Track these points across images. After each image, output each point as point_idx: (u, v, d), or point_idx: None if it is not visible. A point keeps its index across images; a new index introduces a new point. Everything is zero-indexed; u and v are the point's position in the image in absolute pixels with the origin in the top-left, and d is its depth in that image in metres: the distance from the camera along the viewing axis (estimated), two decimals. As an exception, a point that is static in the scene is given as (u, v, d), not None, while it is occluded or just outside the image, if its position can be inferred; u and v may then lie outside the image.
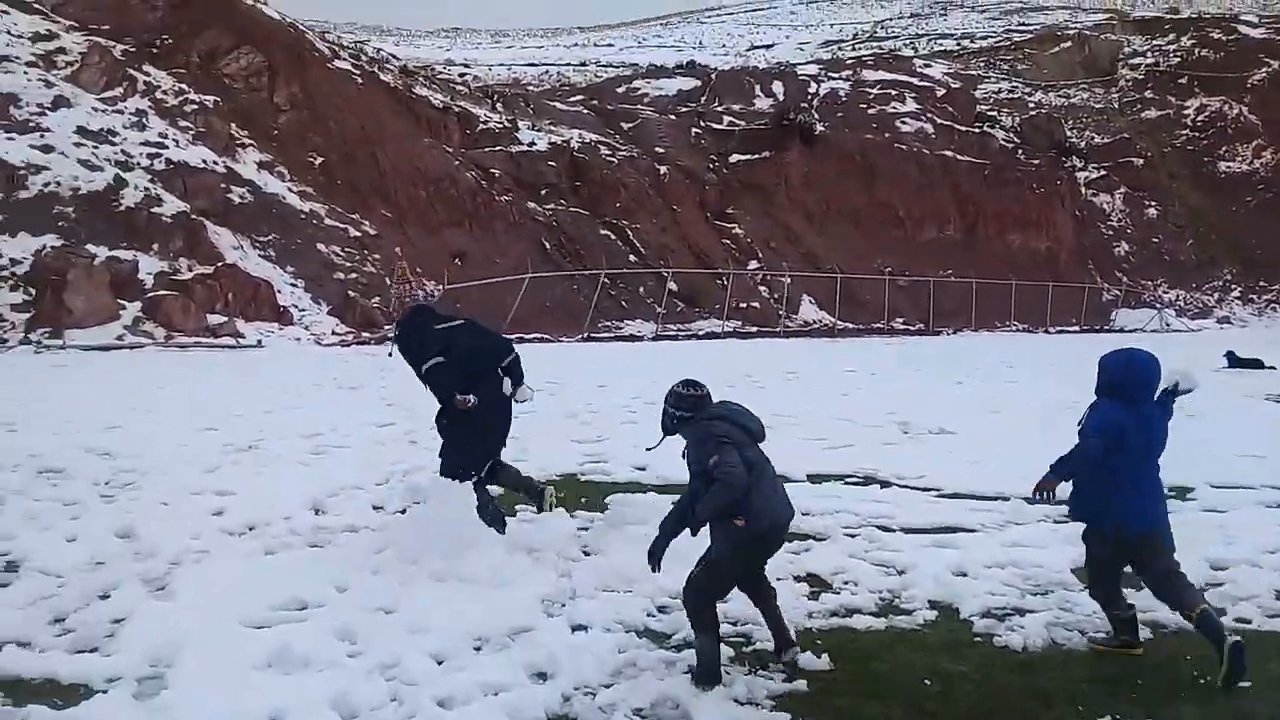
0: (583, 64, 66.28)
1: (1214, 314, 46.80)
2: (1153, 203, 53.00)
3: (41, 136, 26.94)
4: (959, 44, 69.15)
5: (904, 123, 51.68)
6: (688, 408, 5.33)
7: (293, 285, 27.19)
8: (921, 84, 57.02)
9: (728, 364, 20.60)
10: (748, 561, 5.24)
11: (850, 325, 37.26)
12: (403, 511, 7.85)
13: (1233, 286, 49.17)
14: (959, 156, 49.37)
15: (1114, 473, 5.23)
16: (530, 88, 56.04)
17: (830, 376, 19.53)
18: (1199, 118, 57.34)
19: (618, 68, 63.91)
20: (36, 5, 32.55)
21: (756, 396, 11.28)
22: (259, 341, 22.73)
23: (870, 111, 52.30)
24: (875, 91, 54.71)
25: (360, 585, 6.15)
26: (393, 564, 6.42)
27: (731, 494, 4.93)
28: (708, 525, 5.17)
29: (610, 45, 76.21)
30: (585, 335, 30.01)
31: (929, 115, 53.07)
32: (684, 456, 5.30)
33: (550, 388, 14.91)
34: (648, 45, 75.09)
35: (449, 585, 6.11)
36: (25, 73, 28.99)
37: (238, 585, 6.15)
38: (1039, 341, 35.61)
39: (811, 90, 54.37)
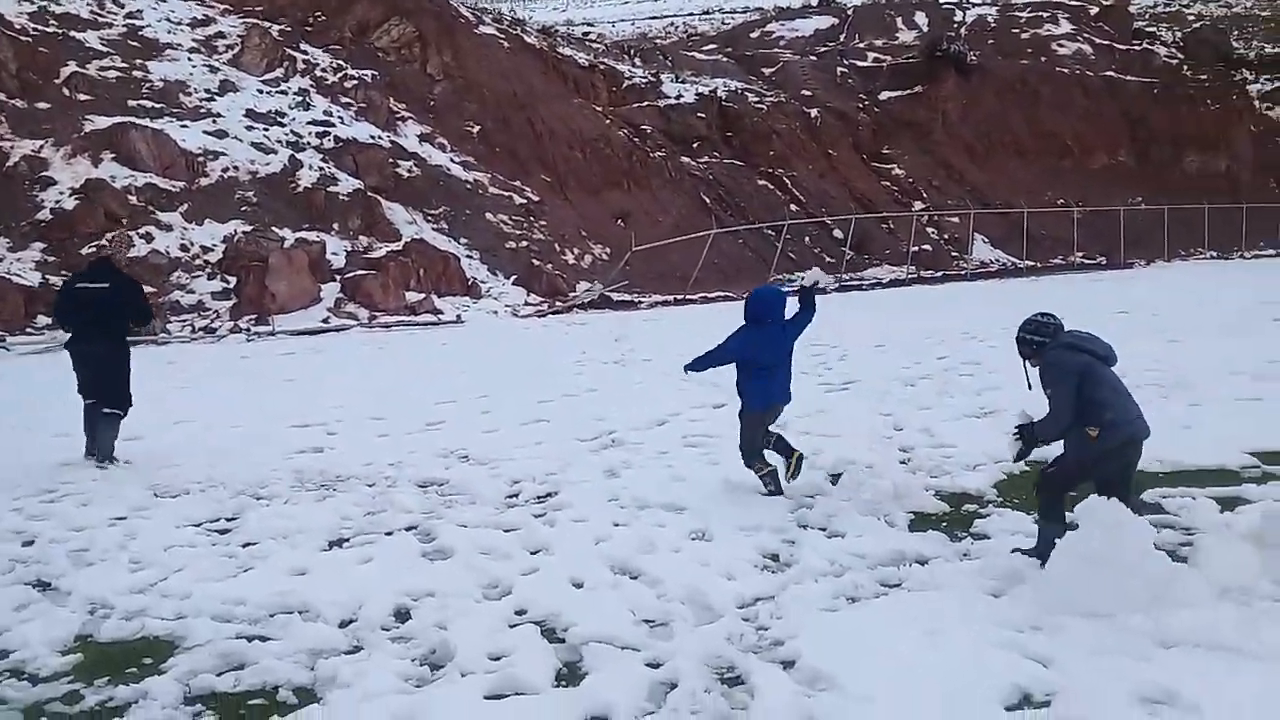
0: (707, 12, 64.48)
1: None
2: (1339, 112, 48.91)
3: (214, 122, 26.92)
4: (1106, -43, 64.80)
5: (1060, 45, 48.80)
6: (1046, 334, 5.85)
7: (468, 257, 26.69)
8: (1073, 3, 53.72)
9: (983, 313, 19.24)
10: (1095, 471, 5.58)
11: (1033, 264, 35.10)
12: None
13: None
14: (1124, 77, 46.29)
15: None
16: (659, 41, 54.59)
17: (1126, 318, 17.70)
18: (1385, 14, 52.63)
19: (744, 13, 61.89)
20: (192, -8, 32.61)
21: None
22: (458, 316, 22.21)
23: (1023, 36, 49.56)
24: (1025, 15, 51.84)
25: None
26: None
27: (1058, 428, 5.63)
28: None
29: (731, -9, 73.92)
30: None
31: (1085, 35, 50.03)
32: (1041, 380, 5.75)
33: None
34: (771, -13, 72.48)
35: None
36: (189, 59, 29.05)
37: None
38: (1257, 268, 32.73)
39: (957, 19, 51.74)
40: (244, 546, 6.78)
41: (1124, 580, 4.51)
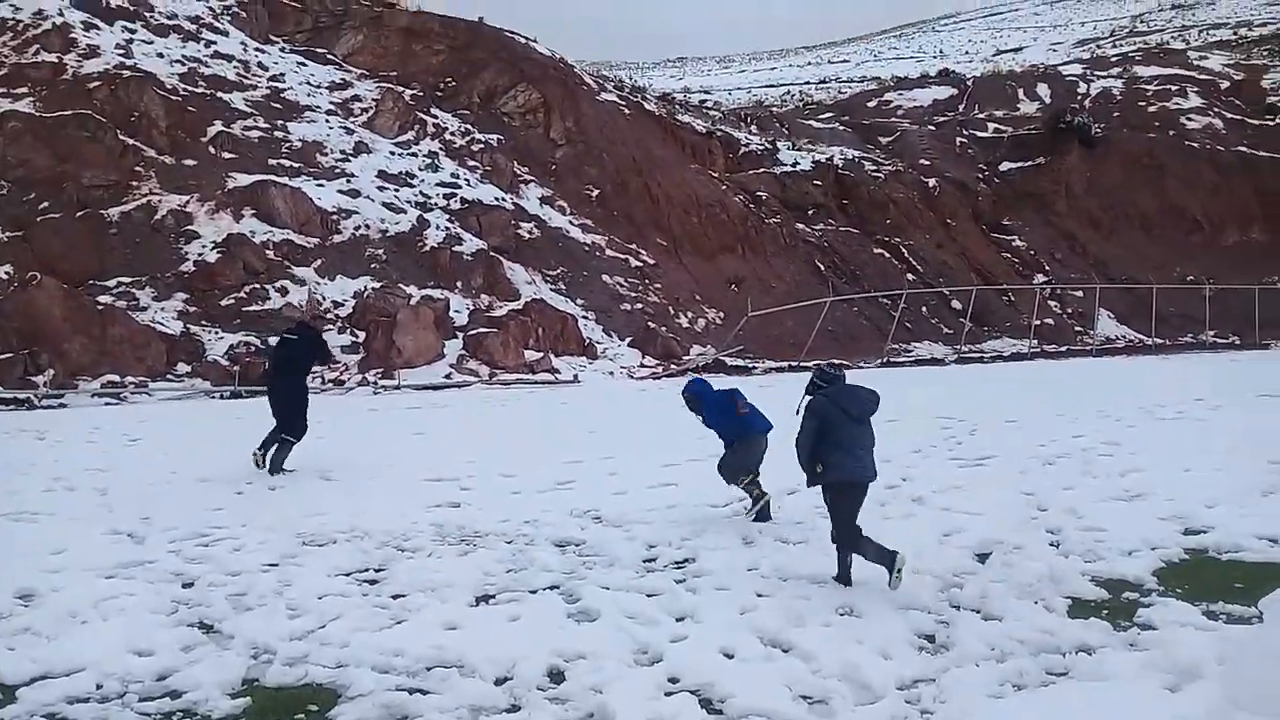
0: (823, 81, 64.88)
1: None
2: None
3: (348, 181, 28.03)
4: (1235, 33, 63.41)
5: (1189, 119, 47.57)
6: (824, 381, 7.13)
7: (584, 318, 27.06)
8: (1202, 77, 52.49)
9: (1118, 390, 18.72)
10: (832, 500, 7.05)
11: (1160, 342, 33.97)
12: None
13: None
14: (1257, 152, 44.85)
15: None
16: (775, 109, 55.04)
17: None
18: None
19: (860, 82, 62.12)
20: (330, 56, 34.22)
21: None
22: (575, 376, 22.49)
23: (1150, 109, 48.49)
24: (1153, 88, 50.78)
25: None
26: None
27: (800, 452, 7.03)
28: None
29: (845, 61, 74.38)
30: (885, 360, 28.47)
31: (1216, 110, 48.70)
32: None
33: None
34: (885, 58, 72.83)
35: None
36: (327, 121, 30.38)
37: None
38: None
39: (1080, 90, 51.00)
40: (395, 598, 6.91)
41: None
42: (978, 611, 6.31)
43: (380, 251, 26.09)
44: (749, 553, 7.82)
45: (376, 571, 7.67)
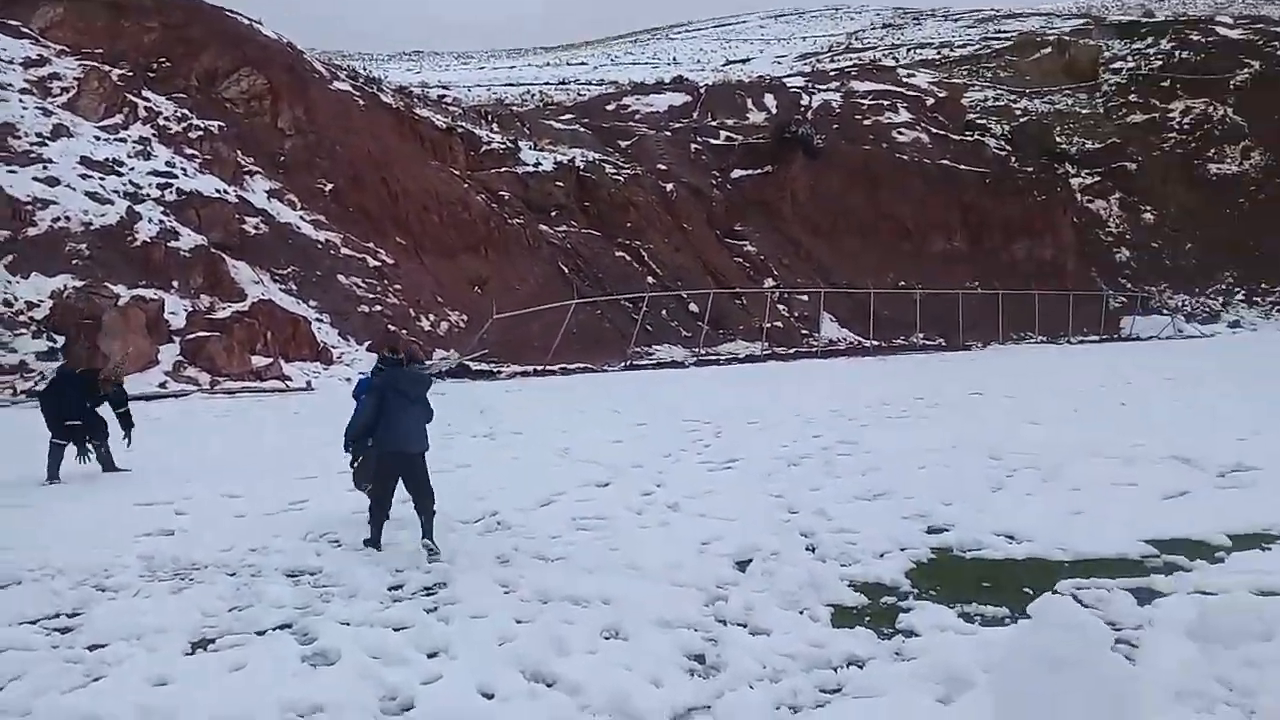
0: (563, 82, 65.12)
1: (1222, 318, 46.50)
2: (1148, 207, 52.88)
3: (44, 168, 25.14)
4: (939, 52, 68.98)
5: (900, 133, 51.05)
6: (385, 365, 8.42)
7: (318, 320, 25.62)
8: (911, 93, 56.55)
9: (849, 391, 19.50)
10: (385, 471, 8.07)
11: (878, 343, 36.20)
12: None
13: (1236, 290, 48.98)
14: (958, 166, 48.81)
15: None
16: (515, 108, 54.61)
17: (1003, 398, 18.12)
18: (1185, 120, 57.39)
19: (599, 85, 62.80)
20: (25, 29, 30.69)
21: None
22: (308, 383, 21.13)
23: (866, 122, 51.62)
24: (868, 102, 54.09)
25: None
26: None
27: (357, 421, 8.25)
28: None
29: (584, 64, 75.13)
30: (628, 364, 28.66)
31: (923, 125, 52.53)
32: None
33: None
34: (621, 63, 74.10)
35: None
36: (20, 100, 27.17)
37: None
38: (1100, 352, 34.42)
39: (804, 102, 53.64)
40: (92, 649, 5.94)
41: (1084, 684, 4.30)
42: (744, 625, 6.14)
43: (83, 246, 23.53)
44: (505, 572, 7.34)
45: (70, 617, 6.62)
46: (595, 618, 6.27)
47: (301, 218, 29.58)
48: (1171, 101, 58.46)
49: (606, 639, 5.97)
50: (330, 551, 8.09)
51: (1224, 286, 49.02)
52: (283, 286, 26.36)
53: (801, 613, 6.32)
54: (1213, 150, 55.53)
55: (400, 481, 8.17)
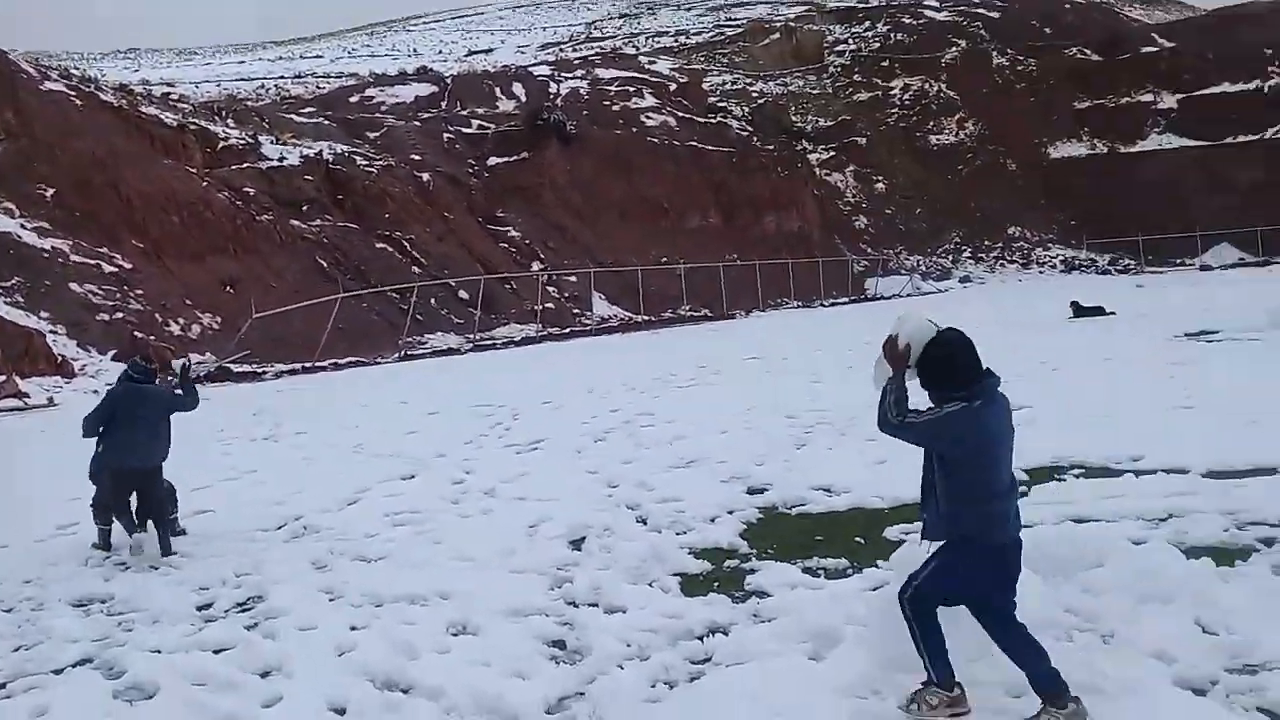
0: (299, 76, 62.28)
1: (953, 275, 50.29)
2: (880, 178, 56.40)
3: None
4: (676, 40, 70.77)
5: (648, 117, 52.07)
6: (138, 374, 8.12)
7: (54, 332, 23.36)
8: (654, 79, 57.79)
9: (634, 364, 19.58)
10: (117, 485, 7.83)
11: (648, 318, 36.84)
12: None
13: (963, 248, 53.12)
14: (705, 147, 50.31)
15: None
16: (250, 103, 51.74)
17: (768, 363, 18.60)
18: (904, 96, 61.56)
19: (339, 78, 60.43)
20: None
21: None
22: (50, 399, 19.17)
23: (614, 109, 52.32)
24: (614, 89, 54.84)
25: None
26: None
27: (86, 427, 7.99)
28: None
29: (319, 57, 72.14)
30: (403, 354, 27.78)
31: (668, 109, 53.80)
32: None
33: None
34: (360, 55, 71.71)
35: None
36: None
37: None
38: (854, 311, 36.31)
39: (552, 90, 53.70)
40: None
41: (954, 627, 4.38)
42: (596, 605, 5.94)
43: None
44: (325, 578, 6.82)
45: None
46: (437, 615, 5.90)
47: (22, 225, 26.87)
48: (891, 80, 62.59)
49: (455, 635, 5.62)
50: (119, 575, 7.27)
51: (951, 246, 53.02)
52: (8, 299, 23.87)
53: (651, 584, 6.21)
54: (931, 123, 59.91)
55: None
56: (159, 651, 5.64)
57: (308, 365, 25.48)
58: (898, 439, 4.21)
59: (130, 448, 7.76)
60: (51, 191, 28.66)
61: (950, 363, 4.13)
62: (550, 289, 37.87)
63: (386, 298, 32.55)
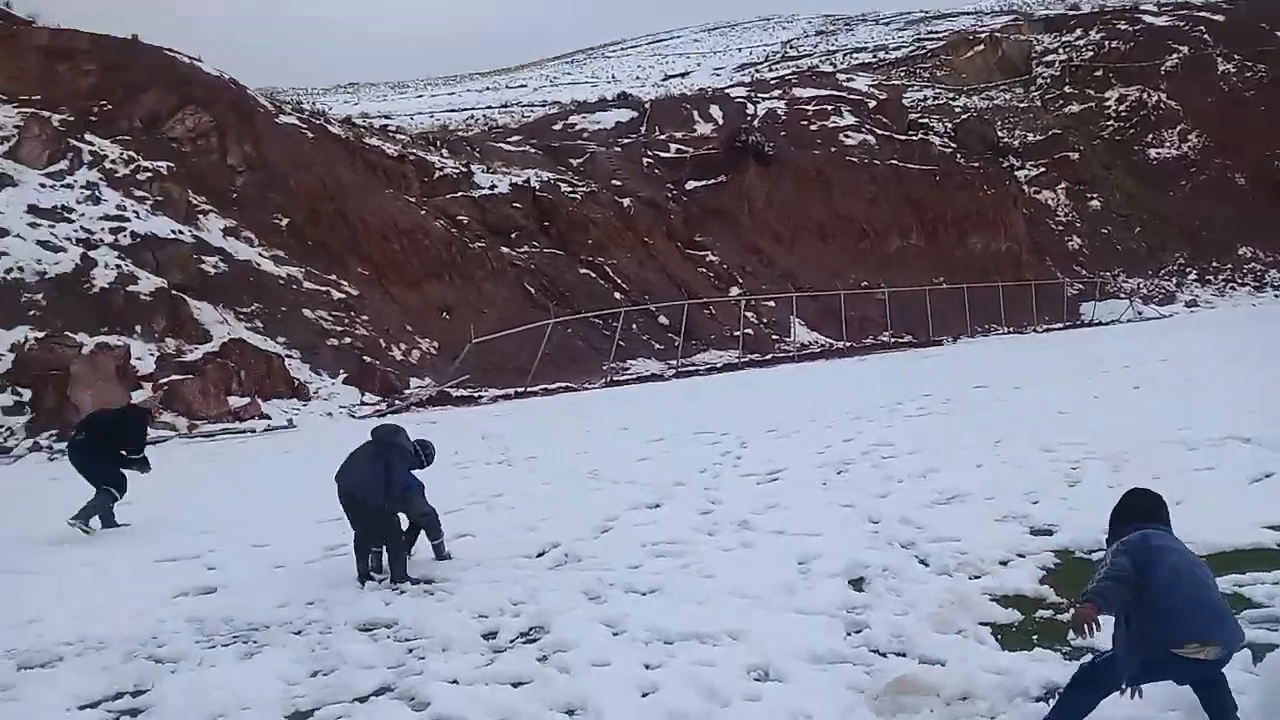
0: (505, 105, 64.54)
1: (1178, 299, 47.15)
2: (1094, 195, 53.57)
3: (-10, 219, 23.99)
4: (874, 55, 69.55)
5: (847, 135, 51.25)
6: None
7: (289, 356, 24.71)
8: (853, 97, 56.89)
9: (849, 391, 19.08)
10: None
11: (850, 344, 36.04)
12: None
13: (1187, 270, 49.76)
14: (906, 164, 49.07)
15: None
16: (460, 133, 53.89)
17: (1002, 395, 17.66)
18: (1120, 108, 58.39)
19: (542, 106, 62.30)
20: (-47, 78, 29.43)
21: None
22: (289, 421, 20.26)
23: (812, 128, 51.75)
24: (812, 108, 54.28)
25: None
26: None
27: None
28: None
29: (523, 86, 74.64)
30: (608, 380, 28.09)
31: (867, 127, 52.81)
32: None
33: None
34: (561, 83, 73.75)
35: None
36: (-43, 152, 25.96)
37: None
38: (1070, 340, 34.36)
39: (750, 112, 53.61)
40: (178, 736, 5.24)
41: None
42: (904, 655, 5.57)
43: (39, 296, 22.46)
44: (603, 610, 6.72)
45: (134, 695, 5.90)
46: (733, 656, 5.68)
47: (260, 254, 28.64)
48: (1106, 91, 59.49)
49: (758, 680, 5.38)
50: (397, 600, 7.40)
51: (1175, 267, 49.77)
52: (249, 325, 25.43)
53: (960, 634, 5.79)
54: (1150, 135, 56.59)
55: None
56: (456, 682, 5.65)
57: (519, 390, 26.05)
58: None
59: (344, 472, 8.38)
60: (286, 221, 30.45)
61: None
62: (749, 314, 37.64)
63: (589, 323, 33.06)
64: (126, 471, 11.19)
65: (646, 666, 5.64)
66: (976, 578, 6.77)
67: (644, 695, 5.24)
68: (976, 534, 7.76)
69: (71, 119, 29.32)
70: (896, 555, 7.42)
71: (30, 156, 26.74)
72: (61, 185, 26.46)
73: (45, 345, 20.16)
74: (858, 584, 6.86)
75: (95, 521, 10.69)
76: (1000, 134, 56.94)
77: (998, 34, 67.08)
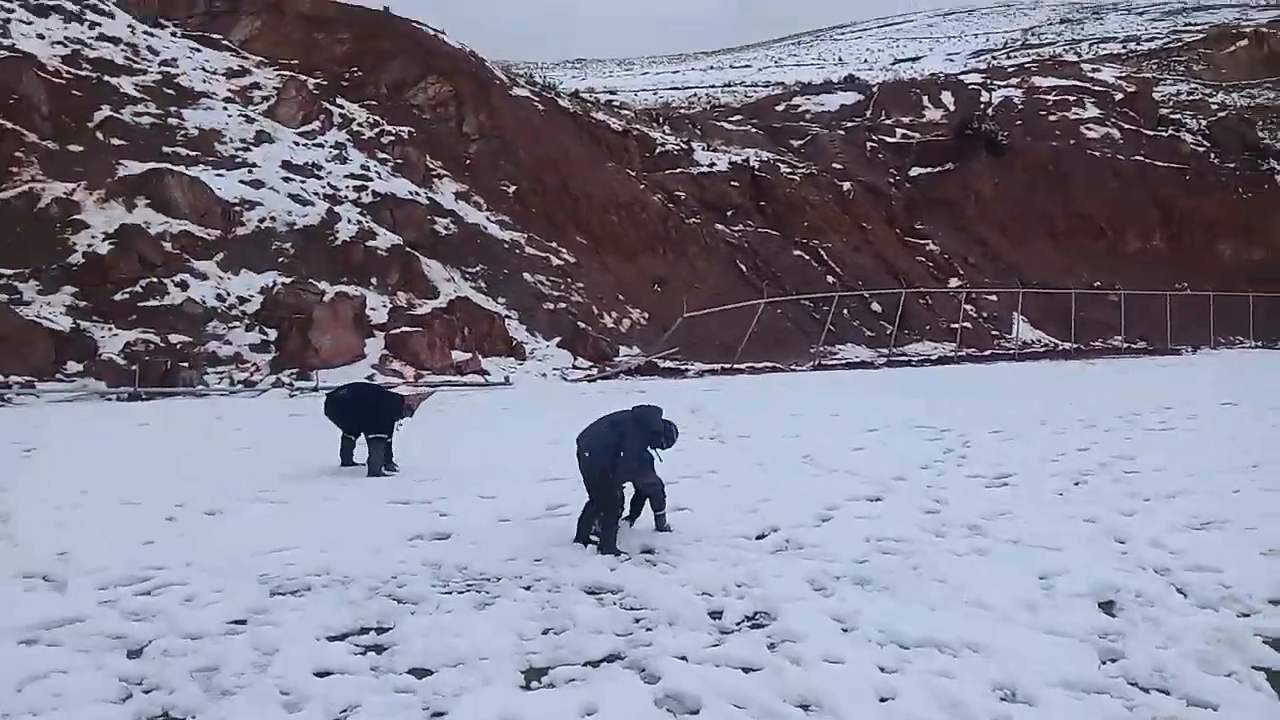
0: (728, 85, 64.44)
1: None
2: (1369, 206, 48.49)
3: (250, 171, 25.85)
4: (1124, 46, 65.34)
5: (1089, 129, 48.42)
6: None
7: (508, 317, 25.52)
8: (1097, 89, 53.62)
9: (1077, 396, 18.12)
10: None
11: (1078, 345, 34.14)
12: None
13: None
14: (1154, 162, 45.90)
15: None
16: (683, 111, 54.16)
17: None
18: (1407, 110, 52.68)
19: (766, 86, 61.85)
20: (225, 42, 31.78)
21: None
22: (506, 378, 20.96)
23: (1051, 119, 49.15)
24: (1051, 98, 51.53)
25: None
26: None
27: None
28: None
29: (748, 66, 74.26)
30: (816, 364, 27.68)
31: (1112, 120, 49.71)
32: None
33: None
34: (786, 64, 72.95)
35: None
36: (225, 109, 28.06)
37: None
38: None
39: (984, 99, 51.43)
40: (419, 677, 5.42)
41: None
42: (1167, 693, 5.14)
43: (288, 245, 24.06)
44: (832, 604, 6.54)
45: (379, 633, 6.16)
46: (976, 671, 5.39)
47: (488, 218, 29.69)
48: (1391, 89, 53.83)
49: (1005, 701, 5.08)
50: (622, 566, 7.45)
51: None
52: (473, 284, 26.43)
53: (1230, 676, 5.30)
54: None
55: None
56: (685, 659, 5.61)
57: (726, 366, 26.01)
58: None
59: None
60: (513, 188, 31.45)
61: None
62: (968, 307, 36.21)
63: (800, 305, 32.63)
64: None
65: (881, 669, 5.44)
66: (1245, 615, 6.20)
67: (882, 700, 5.04)
68: (1239, 566, 7.12)
69: (325, 83, 31.22)
70: (1150, 581, 6.89)
71: (286, 116, 28.60)
72: (313, 144, 28.20)
73: (291, 290, 21.56)
74: (1107, 607, 6.40)
75: (394, 463, 11.11)
76: (1262, 135, 52.48)
77: (1263, 29, 61.73)
